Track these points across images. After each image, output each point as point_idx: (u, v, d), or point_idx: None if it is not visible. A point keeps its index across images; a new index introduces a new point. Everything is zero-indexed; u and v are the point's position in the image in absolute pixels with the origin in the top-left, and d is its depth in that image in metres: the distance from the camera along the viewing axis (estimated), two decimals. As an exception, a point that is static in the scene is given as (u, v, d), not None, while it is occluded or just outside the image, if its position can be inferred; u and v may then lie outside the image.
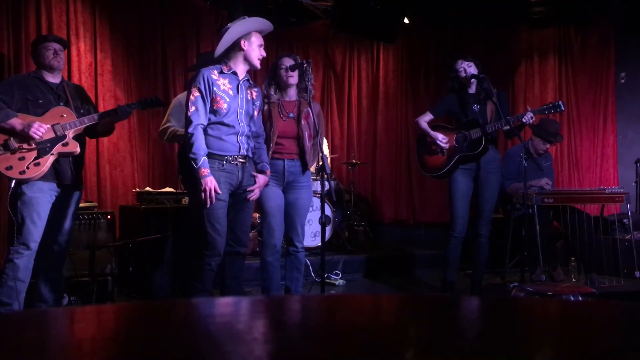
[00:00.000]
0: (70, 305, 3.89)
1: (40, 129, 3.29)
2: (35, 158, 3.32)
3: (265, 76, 3.86)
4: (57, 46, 3.50)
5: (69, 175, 3.48)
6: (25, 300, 3.45)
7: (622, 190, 4.56)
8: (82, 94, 3.70)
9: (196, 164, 3.17)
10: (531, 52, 7.28)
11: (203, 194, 3.16)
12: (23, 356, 0.70)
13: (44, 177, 3.36)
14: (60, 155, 3.41)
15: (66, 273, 4.01)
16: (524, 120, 4.15)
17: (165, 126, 4.12)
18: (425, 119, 4.39)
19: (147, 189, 5.00)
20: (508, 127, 4.14)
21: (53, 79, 3.53)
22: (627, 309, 1.01)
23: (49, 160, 3.35)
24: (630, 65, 6.52)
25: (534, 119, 4.24)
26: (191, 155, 3.18)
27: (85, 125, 3.47)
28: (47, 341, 0.79)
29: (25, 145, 3.31)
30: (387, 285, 5.23)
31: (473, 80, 4.22)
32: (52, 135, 3.36)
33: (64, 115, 3.43)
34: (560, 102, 4.31)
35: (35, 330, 0.84)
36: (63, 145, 3.39)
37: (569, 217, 4.66)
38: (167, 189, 4.87)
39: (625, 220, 5.01)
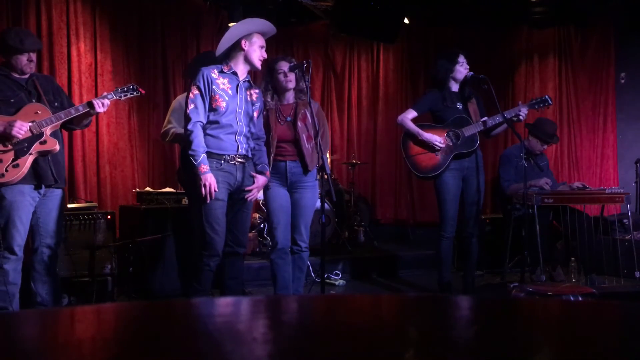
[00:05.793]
0: (70, 305, 3.88)
1: (23, 128, 3.15)
2: (14, 160, 3.17)
3: (262, 81, 3.80)
4: (32, 54, 3.32)
5: (49, 174, 3.32)
6: (23, 303, 3.41)
7: (622, 191, 4.56)
8: (53, 85, 3.52)
9: (195, 161, 3.16)
10: (531, 52, 7.28)
11: (203, 190, 3.15)
12: (23, 356, 0.70)
13: (24, 179, 3.22)
14: (40, 154, 3.26)
15: (66, 273, 4.01)
16: (520, 115, 4.16)
17: (167, 128, 4.14)
18: (409, 117, 4.33)
19: (147, 189, 5.00)
20: (503, 120, 4.14)
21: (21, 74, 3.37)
22: (627, 309, 1.01)
23: (28, 160, 3.20)
24: (630, 65, 6.52)
25: (526, 113, 4.25)
26: (190, 152, 3.18)
27: (62, 121, 3.32)
28: (47, 341, 0.79)
29: (0, 147, 3.15)
30: (386, 286, 5.22)
31: (462, 78, 4.21)
32: (28, 134, 3.20)
33: (39, 112, 3.26)
34: (547, 96, 4.30)
35: (35, 330, 0.84)
36: (41, 143, 3.23)
37: (568, 217, 4.65)
38: (167, 189, 4.87)
39: (625, 221, 5.01)
